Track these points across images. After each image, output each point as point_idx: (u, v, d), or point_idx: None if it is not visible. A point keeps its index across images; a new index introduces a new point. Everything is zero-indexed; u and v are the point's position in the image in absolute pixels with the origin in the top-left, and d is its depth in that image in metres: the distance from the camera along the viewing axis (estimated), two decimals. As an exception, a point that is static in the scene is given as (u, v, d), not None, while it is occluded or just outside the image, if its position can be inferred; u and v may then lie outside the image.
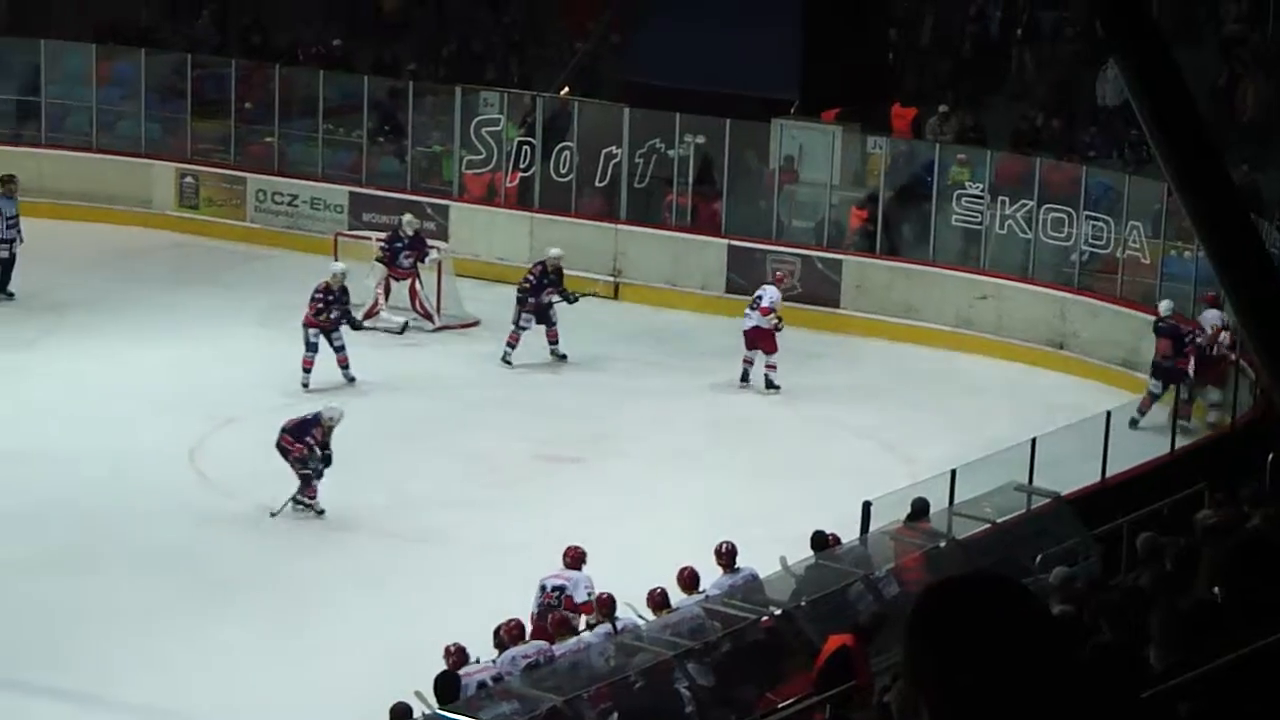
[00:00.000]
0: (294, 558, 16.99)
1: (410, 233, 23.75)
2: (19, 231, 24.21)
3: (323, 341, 21.09)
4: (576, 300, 22.43)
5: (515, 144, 26.54)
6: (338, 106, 27.72)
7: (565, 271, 22.75)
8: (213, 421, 20.09)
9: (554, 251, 22.78)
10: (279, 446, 17.55)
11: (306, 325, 21.06)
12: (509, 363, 22.08)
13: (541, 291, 22.28)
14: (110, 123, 28.71)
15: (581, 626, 14.04)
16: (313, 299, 21.10)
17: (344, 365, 21.16)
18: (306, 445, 17.62)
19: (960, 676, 2.77)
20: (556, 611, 13.64)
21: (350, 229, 26.06)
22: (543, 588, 14.58)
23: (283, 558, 16.98)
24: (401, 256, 23.55)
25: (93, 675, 14.45)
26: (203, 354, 22.24)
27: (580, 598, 14.37)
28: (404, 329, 23.36)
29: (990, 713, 2.76)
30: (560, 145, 26.29)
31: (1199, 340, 20.54)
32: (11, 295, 24.08)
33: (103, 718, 13.98)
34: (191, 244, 27.15)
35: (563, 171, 26.27)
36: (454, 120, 26.82)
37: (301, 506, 17.57)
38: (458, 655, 12.80)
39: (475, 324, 23.93)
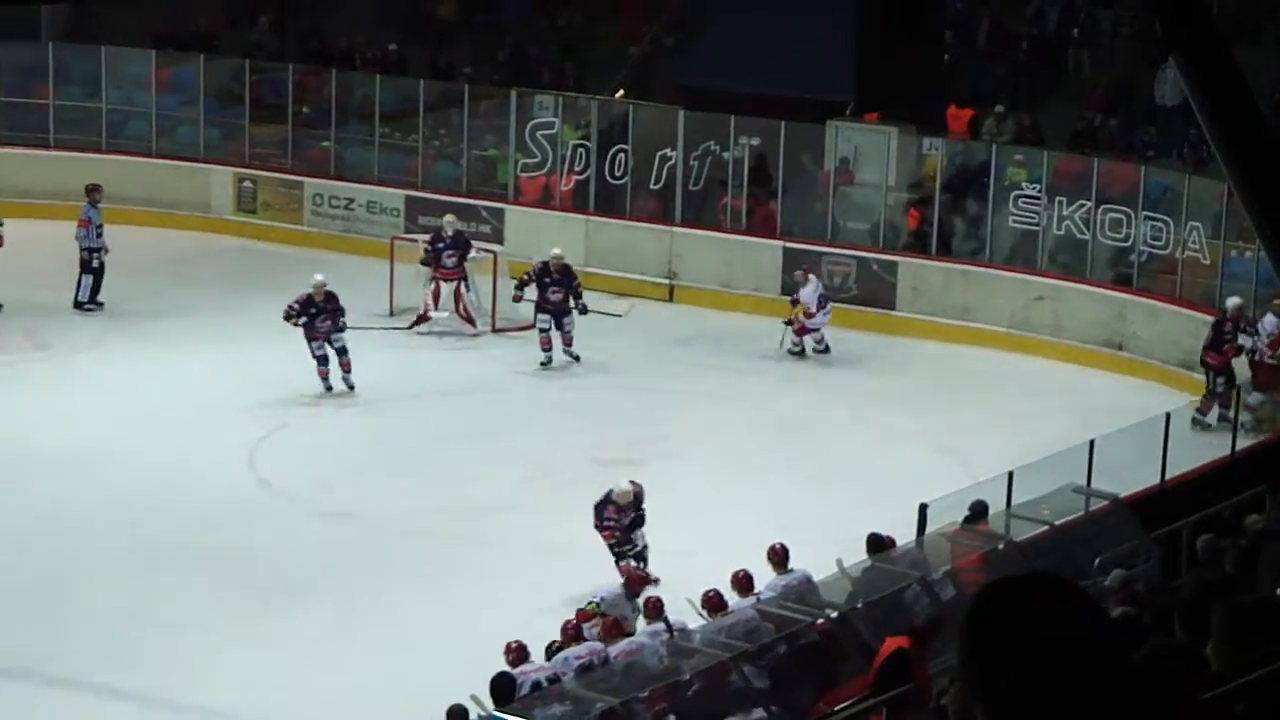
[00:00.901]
0: (353, 559, 17.04)
1: (451, 233, 23.81)
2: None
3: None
4: (586, 311, 22.44)
5: (570, 147, 26.58)
6: (394, 111, 27.81)
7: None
8: (270, 424, 20.18)
9: (555, 250, 22.76)
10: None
11: (307, 339, 21.08)
12: (546, 364, 22.16)
13: (545, 289, 22.33)
14: (170, 128, 28.89)
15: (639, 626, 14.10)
16: (290, 311, 21.18)
17: (346, 369, 21.14)
18: (609, 529, 16.22)
19: (1016, 678, 2.75)
20: (607, 615, 13.63)
21: (406, 233, 26.13)
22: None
23: (341, 559, 17.03)
24: (445, 256, 23.61)
25: (155, 676, 14.54)
26: (260, 357, 22.33)
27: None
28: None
29: (1046, 715, 2.74)
30: (615, 148, 26.30)
31: (1245, 344, 20.54)
32: (101, 305, 24.19)
33: (166, 717, 14.03)
34: (249, 248, 27.29)
35: (618, 174, 26.29)
36: (509, 124, 26.87)
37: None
38: (518, 652, 12.81)
39: (530, 327, 23.93)
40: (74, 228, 24.48)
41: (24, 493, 18.07)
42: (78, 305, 24.06)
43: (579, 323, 22.36)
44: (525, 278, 22.66)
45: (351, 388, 21.12)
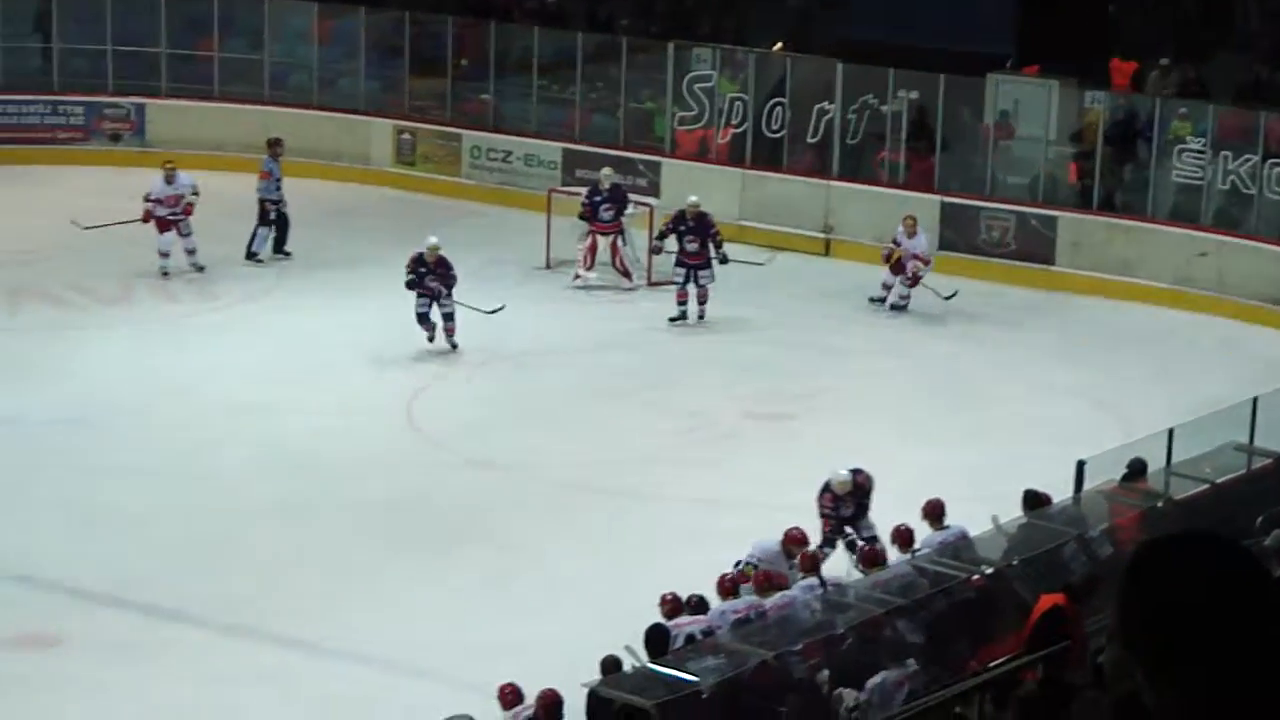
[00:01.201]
0: (507, 511, 17.19)
1: (608, 186, 23.85)
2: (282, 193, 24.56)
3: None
4: (726, 261, 22.29)
5: (727, 100, 26.54)
6: (552, 63, 27.91)
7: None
8: (428, 376, 20.39)
9: (691, 199, 22.64)
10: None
11: (416, 295, 20.93)
12: (683, 318, 22.07)
13: (682, 238, 22.19)
14: (331, 80, 29.20)
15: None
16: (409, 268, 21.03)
17: (449, 334, 21.03)
18: (825, 517, 15.54)
19: (1174, 637, 2.75)
20: (761, 569, 13.64)
21: (563, 185, 26.24)
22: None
23: (497, 510, 17.19)
24: (601, 210, 23.66)
25: (313, 624, 14.76)
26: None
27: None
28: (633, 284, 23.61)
29: (1205, 673, 2.74)
30: (773, 101, 26.23)
31: None
32: (289, 254, 24.52)
33: (319, 664, 14.26)
34: (408, 200, 27.53)
35: (775, 127, 26.22)
36: (666, 76, 26.88)
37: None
38: (672, 604, 12.87)
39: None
40: (239, 178, 24.85)
41: (189, 441, 18.40)
42: (250, 256, 24.39)
43: (729, 276, 22.29)
44: (664, 229, 22.62)
45: (454, 347, 20.98)
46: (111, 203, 26.80)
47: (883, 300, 22.65)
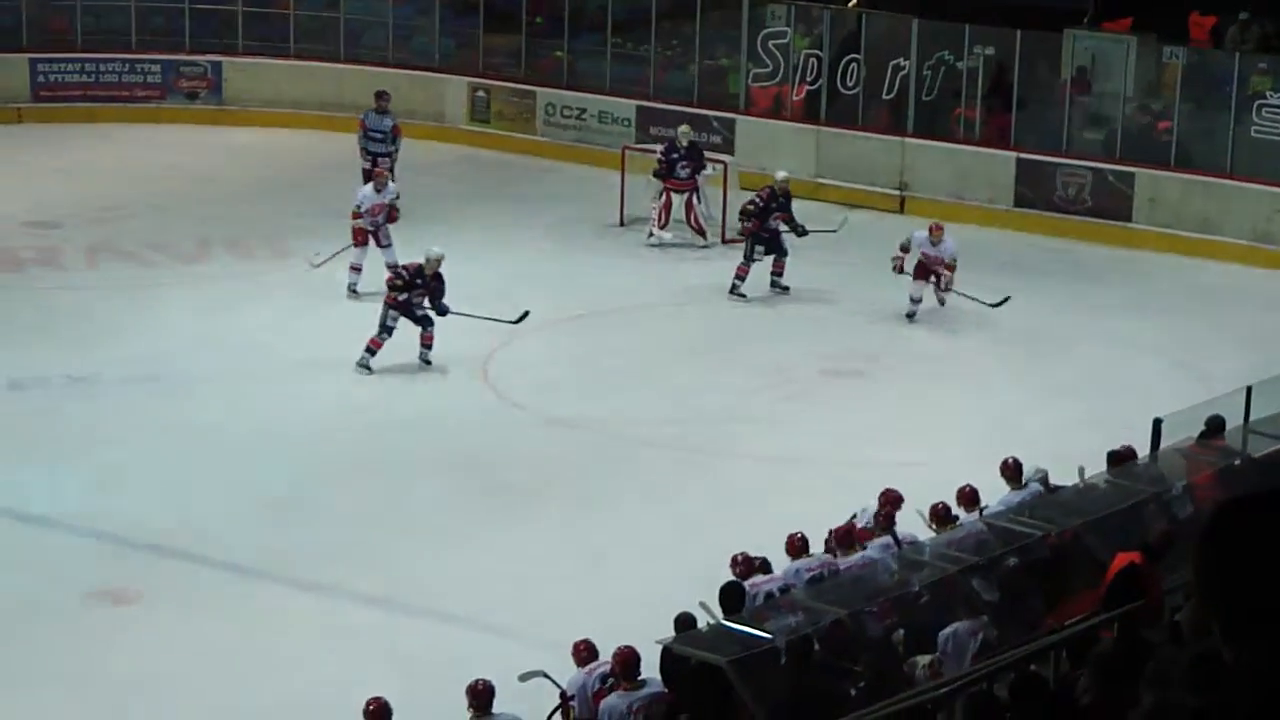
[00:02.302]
0: (584, 468, 17.23)
1: (685, 144, 23.78)
2: (393, 151, 24.40)
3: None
4: (805, 234, 21.80)
5: (802, 56, 26.45)
6: (626, 20, 27.88)
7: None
8: (503, 333, 20.42)
9: (781, 174, 22.12)
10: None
11: (386, 305, 19.27)
12: (742, 295, 21.47)
13: (769, 215, 21.62)
14: (405, 38, 29.26)
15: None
16: (397, 278, 19.44)
17: (428, 344, 19.38)
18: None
19: (1254, 595, 2.74)
20: (839, 525, 13.63)
21: (637, 143, 26.22)
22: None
23: (573, 468, 17.24)
24: (679, 168, 23.60)
25: (390, 581, 14.84)
26: (492, 266, 22.61)
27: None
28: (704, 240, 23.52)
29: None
30: (848, 57, 26.12)
31: None
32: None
33: (397, 620, 14.35)
34: (482, 158, 27.60)
35: (850, 84, 26.12)
36: (741, 33, 26.80)
37: None
38: (745, 564, 12.89)
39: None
40: (314, 135, 24.94)
41: (266, 398, 18.52)
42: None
43: (799, 242, 22.17)
44: (752, 206, 21.78)
45: (428, 363, 19.38)
46: (186, 158, 27.04)
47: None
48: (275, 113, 28.84)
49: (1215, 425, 15.41)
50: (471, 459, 17.29)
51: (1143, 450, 15.31)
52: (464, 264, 22.40)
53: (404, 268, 19.58)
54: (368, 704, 11.04)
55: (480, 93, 28.45)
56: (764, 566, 12.99)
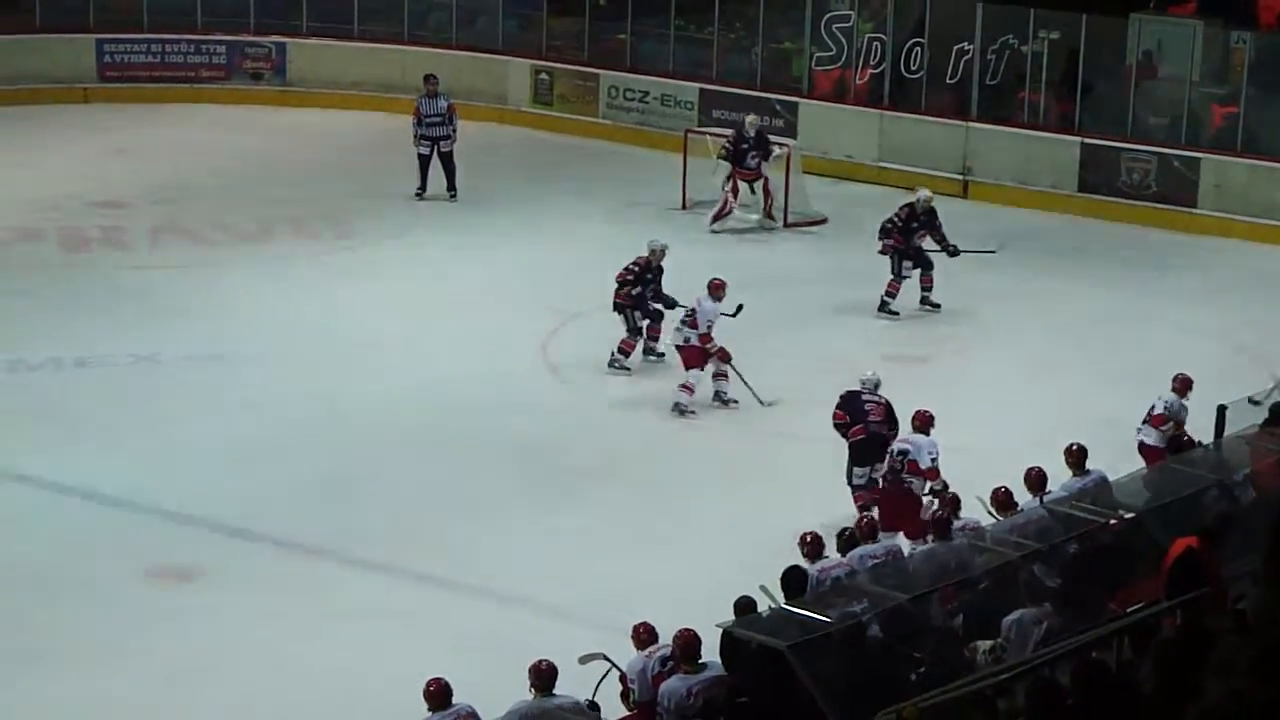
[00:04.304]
0: (643, 451, 17.22)
1: (753, 133, 23.70)
2: (451, 131, 24.34)
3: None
4: (957, 253, 20.92)
5: (866, 40, 26.35)
6: (689, 3, 27.82)
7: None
8: (561, 316, 20.45)
9: (924, 193, 21.09)
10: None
11: (628, 308, 18.92)
12: (893, 313, 20.67)
13: (911, 234, 20.71)
14: (469, 19, 29.28)
15: (925, 490, 14.46)
16: (624, 272, 18.98)
17: (654, 337, 19.12)
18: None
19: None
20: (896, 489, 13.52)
21: (700, 126, 26.18)
22: (890, 452, 14.90)
23: (631, 450, 17.23)
24: (749, 157, 23.53)
25: (448, 561, 14.84)
26: (553, 249, 22.63)
27: (925, 463, 14.62)
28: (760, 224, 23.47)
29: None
30: (911, 41, 26.01)
31: None
32: (454, 197, 24.46)
33: (455, 600, 14.36)
34: (545, 140, 27.62)
35: (913, 68, 26.01)
36: (804, 16, 26.72)
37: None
38: (814, 544, 12.85)
39: (823, 221, 23.93)
40: (377, 117, 25.04)
41: (325, 377, 18.58)
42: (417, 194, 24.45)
43: (864, 218, 22.04)
44: (890, 224, 20.72)
45: (660, 356, 19.04)
46: (250, 138, 27.16)
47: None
48: (338, 94, 28.92)
49: (1279, 413, 15.31)
50: (530, 440, 17.30)
51: (1206, 437, 15.25)
52: (529, 244, 22.49)
53: (634, 264, 18.96)
54: (428, 684, 11.06)
55: (543, 75, 28.46)
56: (815, 544, 12.88)
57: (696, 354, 17.96)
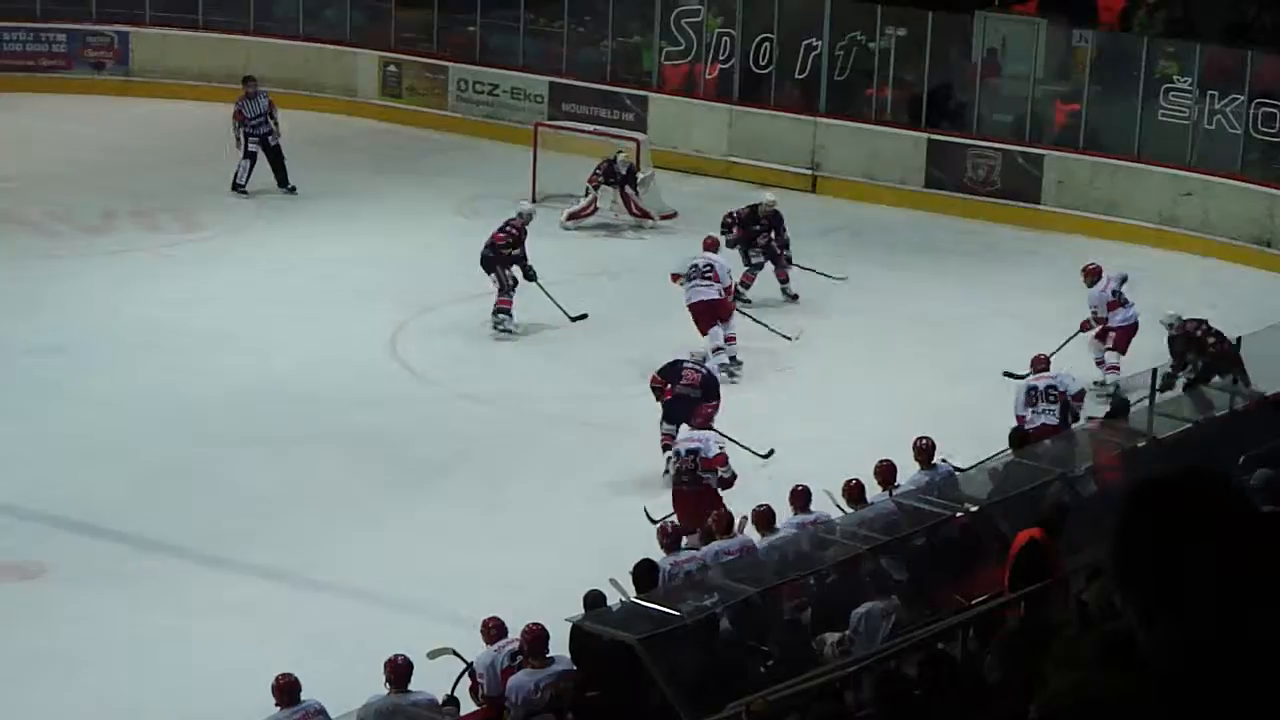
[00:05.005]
0: (493, 445, 17.18)
1: (624, 171, 23.45)
2: (274, 125, 24.16)
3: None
4: (789, 265, 21.07)
5: (715, 35, 26.43)
6: (539, -4, 27.77)
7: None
8: (411, 309, 20.34)
9: (768, 197, 21.20)
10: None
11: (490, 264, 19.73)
12: (746, 300, 20.61)
13: (755, 235, 20.85)
14: (316, 11, 29.05)
15: (717, 477, 14.66)
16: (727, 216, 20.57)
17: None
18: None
19: (1173, 576, 2.74)
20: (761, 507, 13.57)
21: (550, 119, 26.14)
22: (677, 453, 15.03)
23: (482, 445, 17.18)
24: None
25: (297, 555, 14.75)
26: (402, 242, 22.51)
27: (713, 452, 14.90)
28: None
29: (1202, 611, 2.73)
30: (760, 36, 26.13)
31: None
32: (292, 189, 24.27)
33: (304, 595, 14.26)
34: (394, 132, 27.46)
35: (762, 63, 26.13)
36: (654, 10, 26.75)
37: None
38: (672, 537, 12.88)
39: (673, 216, 23.95)
40: (223, 109, 24.75)
41: (171, 372, 18.36)
42: (235, 187, 24.19)
43: (712, 214, 22.05)
44: (730, 219, 20.94)
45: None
46: (92, 128, 26.75)
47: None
48: (183, 85, 28.56)
49: (1120, 406, 15.56)
50: (381, 434, 17.21)
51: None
52: (377, 236, 22.33)
53: (510, 226, 19.80)
54: (276, 679, 10.97)
55: (391, 67, 28.29)
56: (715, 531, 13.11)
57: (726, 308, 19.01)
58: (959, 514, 13.46)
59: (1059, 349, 17.80)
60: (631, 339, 19.51)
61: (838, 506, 13.66)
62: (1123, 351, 18.45)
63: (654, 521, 14.03)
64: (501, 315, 19.63)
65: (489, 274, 19.66)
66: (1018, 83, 25.34)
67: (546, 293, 19.74)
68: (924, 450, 14.35)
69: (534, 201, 23.94)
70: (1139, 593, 2.79)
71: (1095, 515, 12.78)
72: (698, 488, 14.70)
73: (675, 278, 19.12)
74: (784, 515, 13.49)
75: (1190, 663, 2.71)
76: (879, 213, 24.54)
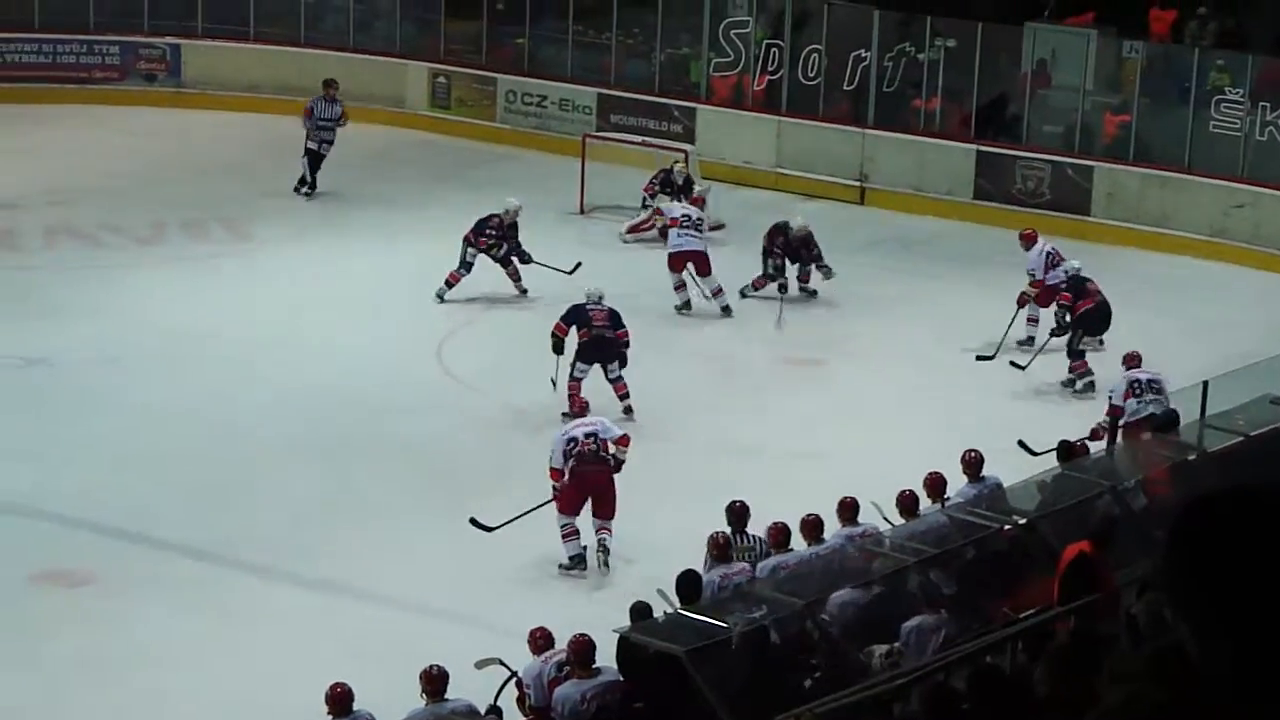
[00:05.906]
0: (540, 454, 17.15)
1: (680, 181, 23.43)
2: (334, 136, 24.50)
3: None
4: (830, 276, 21.20)
5: (763, 46, 26.43)
6: (587, 8, 27.80)
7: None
8: (458, 319, 20.38)
9: (798, 221, 21.36)
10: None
11: (467, 244, 20.77)
12: (741, 295, 21.11)
13: (780, 249, 21.13)
14: (366, 23, 29.14)
15: (625, 456, 14.90)
16: (482, 229, 20.80)
17: (516, 277, 20.91)
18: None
19: (1227, 592, 2.72)
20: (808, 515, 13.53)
21: (598, 130, 26.17)
22: (574, 439, 15.01)
23: (529, 454, 17.15)
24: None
25: (339, 564, 14.77)
26: (449, 252, 22.51)
27: (615, 434, 15.14)
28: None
29: (1255, 625, 2.72)
30: (809, 48, 26.11)
31: None
32: (309, 193, 24.50)
33: (350, 606, 14.27)
34: (442, 143, 27.51)
35: (810, 74, 26.11)
36: (702, 22, 26.77)
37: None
38: (724, 547, 12.86)
39: (721, 227, 23.92)
40: (273, 119, 24.92)
41: (220, 380, 18.43)
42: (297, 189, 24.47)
43: (760, 224, 22.04)
44: (773, 245, 21.22)
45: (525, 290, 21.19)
46: (143, 140, 26.88)
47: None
48: (234, 96, 28.69)
49: (1170, 419, 15.47)
50: (427, 443, 17.22)
51: (1101, 443, 15.37)
52: (424, 248, 22.37)
53: (491, 228, 20.70)
54: (332, 688, 11.00)
55: (440, 79, 28.36)
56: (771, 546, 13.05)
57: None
58: (1007, 527, 13.40)
59: (1005, 337, 19.20)
60: (679, 348, 19.49)
61: (884, 519, 13.62)
62: (1044, 305, 19.54)
63: (487, 530, 14.57)
64: (444, 286, 20.73)
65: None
66: (1067, 94, 25.27)
67: (540, 263, 20.69)
68: (972, 463, 14.31)
69: (582, 213, 24.05)
70: (1191, 608, 2.78)
71: (1145, 529, 12.72)
72: (596, 463, 14.86)
73: (673, 221, 20.80)
74: (831, 527, 13.46)
75: (1242, 677, 2.70)
76: (927, 224, 24.49)
